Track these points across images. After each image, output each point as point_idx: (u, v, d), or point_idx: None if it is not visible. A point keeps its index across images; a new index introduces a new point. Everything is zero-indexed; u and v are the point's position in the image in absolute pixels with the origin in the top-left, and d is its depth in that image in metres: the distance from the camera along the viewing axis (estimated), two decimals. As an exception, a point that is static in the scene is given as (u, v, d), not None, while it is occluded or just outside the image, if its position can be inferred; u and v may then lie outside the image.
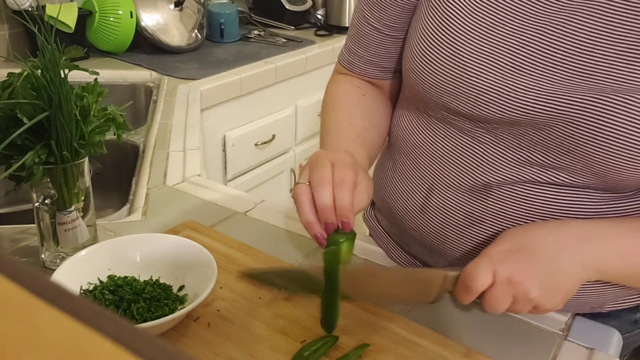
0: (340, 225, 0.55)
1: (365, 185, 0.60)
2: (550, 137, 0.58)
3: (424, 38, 0.63)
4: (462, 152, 0.65)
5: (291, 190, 0.61)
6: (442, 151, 0.67)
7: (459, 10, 0.60)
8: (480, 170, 0.64)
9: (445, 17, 0.61)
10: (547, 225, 0.58)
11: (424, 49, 0.63)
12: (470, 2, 0.60)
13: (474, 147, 0.64)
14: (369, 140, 0.73)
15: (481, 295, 0.55)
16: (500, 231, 0.64)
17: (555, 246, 0.55)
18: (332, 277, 0.57)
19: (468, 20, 0.60)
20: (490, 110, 0.60)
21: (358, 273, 0.58)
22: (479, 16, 0.59)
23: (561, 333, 0.66)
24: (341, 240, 0.56)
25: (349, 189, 0.56)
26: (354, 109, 0.75)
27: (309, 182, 0.57)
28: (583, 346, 0.64)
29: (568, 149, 0.57)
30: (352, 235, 0.57)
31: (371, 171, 0.83)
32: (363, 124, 0.73)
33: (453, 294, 0.58)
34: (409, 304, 0.63)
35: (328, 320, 0.60)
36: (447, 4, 0.61)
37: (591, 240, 0.56)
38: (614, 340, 0.67)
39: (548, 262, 0.54)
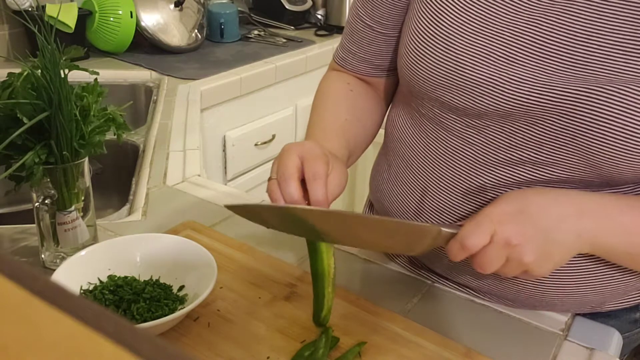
0: None
1: (337, 173, 0.61)
2: (544, 132, 0.58)
3: (418, 33, 0.64)
4: (454, 155, 0.65)
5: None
6: (434, 154, 0.67)
7: (453, 4, 0.61)
8: (473, 173, 0.64)
9: (438, 11, 0.62)
10: (548, 193, 0.57)
11: (418, 44, 0.63)
12: None
13: (465, 150, 0.64)
14: (350, 132, 0.73)
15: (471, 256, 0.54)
16: None
17: (556, 216, 0.54)
18: (317, 271, 0.58)
19: (461, 13, 0.60)
20: (484, 102, 0.60)
21: (350, 219, 0.56)
22: (473, 9, 0.59)
23: (561, 333, 0.66)
24: None
25: (322, 183, 0.57)
26: (339, 103, 0.76)
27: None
28: (583, 346, 0.64)
29: (563, 142, 0.57)
30: None
31: (366, 171, 0.83)
32: (346, 116, 0.74)
33: (443, 249, 0.56)
34: (393, 252, 0.62)
35: (316, 313, 0.60)
36: None
37: (591, 214, 0.55)
38: (614, 340, 0.67)
39: (547, 230, 0.53)
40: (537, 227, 0.53)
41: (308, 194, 0.58)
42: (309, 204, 0.57)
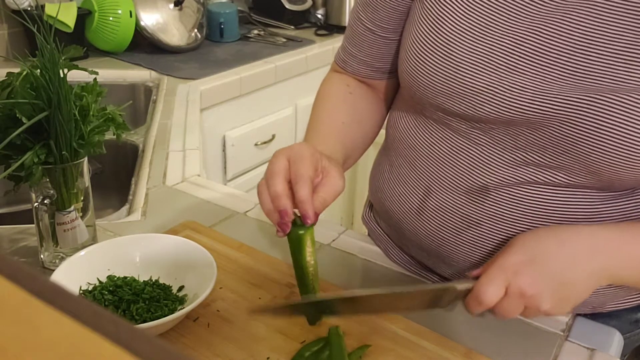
0: (302, 219, 0.57)
1: (332, 176, 0.60)
2: (547, 137, 0.58)
3: (418, 39, 0.63)
4: (459, 154, 0.65)
5: None
6: (439, 153, 0.67)
7: (453, 11, 0.60)
8: (477, 172, 0.64)
9: (438, 18, 0.61)
10: (559, 235, 0.57)
11: (418, 50, 0.63)
12: (464, 2, 0.60)
13: (470, 149, 0.64)
14: (347, 135, 0.73)
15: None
16: (498, 233, 0.64)
17: (567, 257, 0.55)
18: (296, 266, 0.60)
19: (462, 20, 0.60)
20: (485, 110, 0.59)
21: (370, 299, 0.58)
22: (473, 16, 0.59)
23: (562, 333, 0.66)
24: (300, 232, 0.58)
25: (304, 182, 0.57)
26: (338, 106, 0.76)
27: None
28: (584, 346, 0.64)
29: (565, 148, 0.57)
30: (309, 228, 0.59)
31: (366, 171, 0.83)
32: (344, 119, 0.74)
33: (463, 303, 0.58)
34: (423, 310, 0.63)
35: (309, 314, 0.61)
36: (440, 5, 0.61)
37: (603, 250, 0.56)
38: (615, 341, 0.67)
39: (559, 274, 0.54)
40: (549, 275, 0.54)
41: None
42: (295, 206, 0.58)
